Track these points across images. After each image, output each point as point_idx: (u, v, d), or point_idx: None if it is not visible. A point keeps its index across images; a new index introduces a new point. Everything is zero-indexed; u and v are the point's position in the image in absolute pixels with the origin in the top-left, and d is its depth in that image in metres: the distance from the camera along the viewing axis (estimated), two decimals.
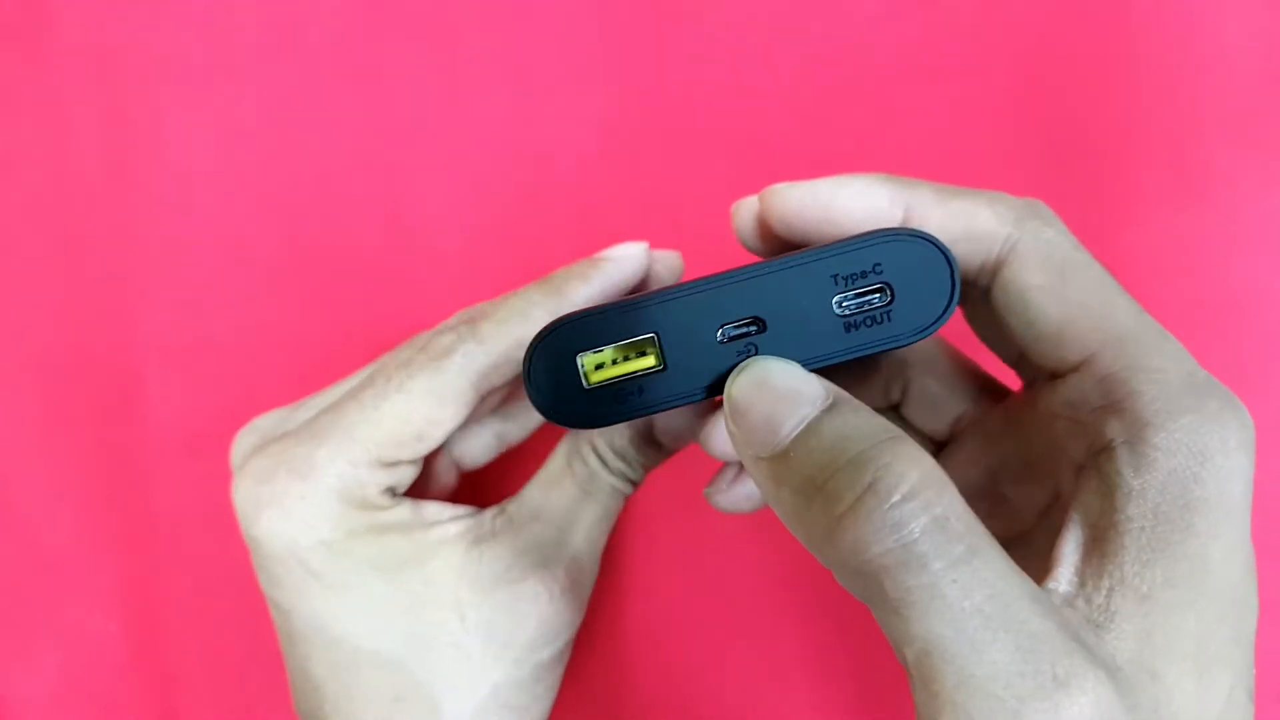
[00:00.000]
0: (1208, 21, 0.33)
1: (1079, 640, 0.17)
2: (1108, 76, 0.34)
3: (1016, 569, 0.18)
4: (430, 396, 0.25)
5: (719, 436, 0.26)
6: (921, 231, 0.20)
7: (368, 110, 0.37)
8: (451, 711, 0.26)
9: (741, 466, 0.27)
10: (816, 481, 0.18)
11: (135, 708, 0.39)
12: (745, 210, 0.24)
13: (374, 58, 0.37)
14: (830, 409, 0.19)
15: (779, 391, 0.19)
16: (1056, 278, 0.21)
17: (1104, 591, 0.18)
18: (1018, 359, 0.25)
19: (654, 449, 0.29)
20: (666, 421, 0.28)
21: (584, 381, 0.21)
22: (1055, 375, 0.22)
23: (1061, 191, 0.34)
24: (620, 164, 0.36)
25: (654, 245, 0.31)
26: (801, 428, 0.19)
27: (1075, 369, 0.21)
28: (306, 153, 0.38)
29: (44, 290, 0.39)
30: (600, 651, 0.36)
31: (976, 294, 0.23)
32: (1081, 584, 0.19)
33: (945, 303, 0.20)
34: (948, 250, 0.20)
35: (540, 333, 0.21)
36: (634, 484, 0.29)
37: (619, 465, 0.28)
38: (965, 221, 0.22)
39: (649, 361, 0.21)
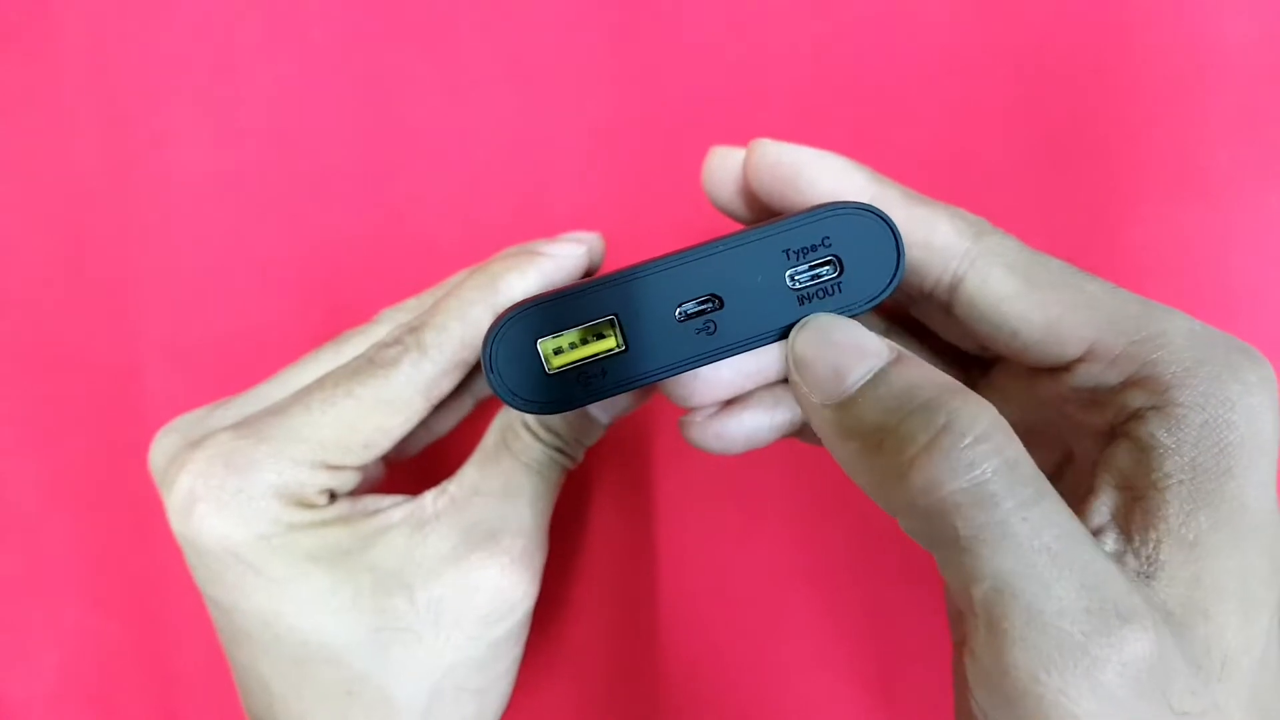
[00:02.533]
0: (1208, 21, 0.33)
1: (1135, 583, 0.18)
2: (1108, 75, 0.34)
3: (1074, 515, 0.19)
4: (380, 404, 0.25)
5: (677, 388, 0.26)
6: (865, 204, 0.21)
7: (368, 110, 0.37)
8: (405, 699, 0.26)
9: (718, 408, 0.27)
10: (887, 425, 0.19)
11: (135, 708, 0.39)
12: (723, 159, 0.25)
13: (374, 59, 0.37)
14: (897, 360, 0.20)
15: (843, 344, 0.20)
16: (1024, 284, 0.22)
17: (1151, 544, 0.19)
18: (981, 349, 0.25)
19: (586, 422, 0.29)
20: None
21: (545, 367, 0.21)
22: (1053, 369, 0.22)
23: (1062, 191, 0.34)
24: (620, 163, 0.36)
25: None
26: (869, 376, 0.20)
27: (1078, 360, 0.22)
28: (307, 153, 0.38)
29: (45, 290, 0.39)
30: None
31: (933, 306, 0.24)
32: (1128, 540, 0.19)
33: (892, 272, 0.21)
34: (891, 221, 0.21)
35: (498, 320, 0.21)
36: (571, 458, 0.29)
37: (551, 439, 0.28)
38: (925, 231, 0.22)
39: (609, 344, 0.21)
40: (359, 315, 0.35)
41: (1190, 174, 0.33)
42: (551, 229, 0.36)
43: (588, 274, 0.29)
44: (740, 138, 0.36)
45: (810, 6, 0.35)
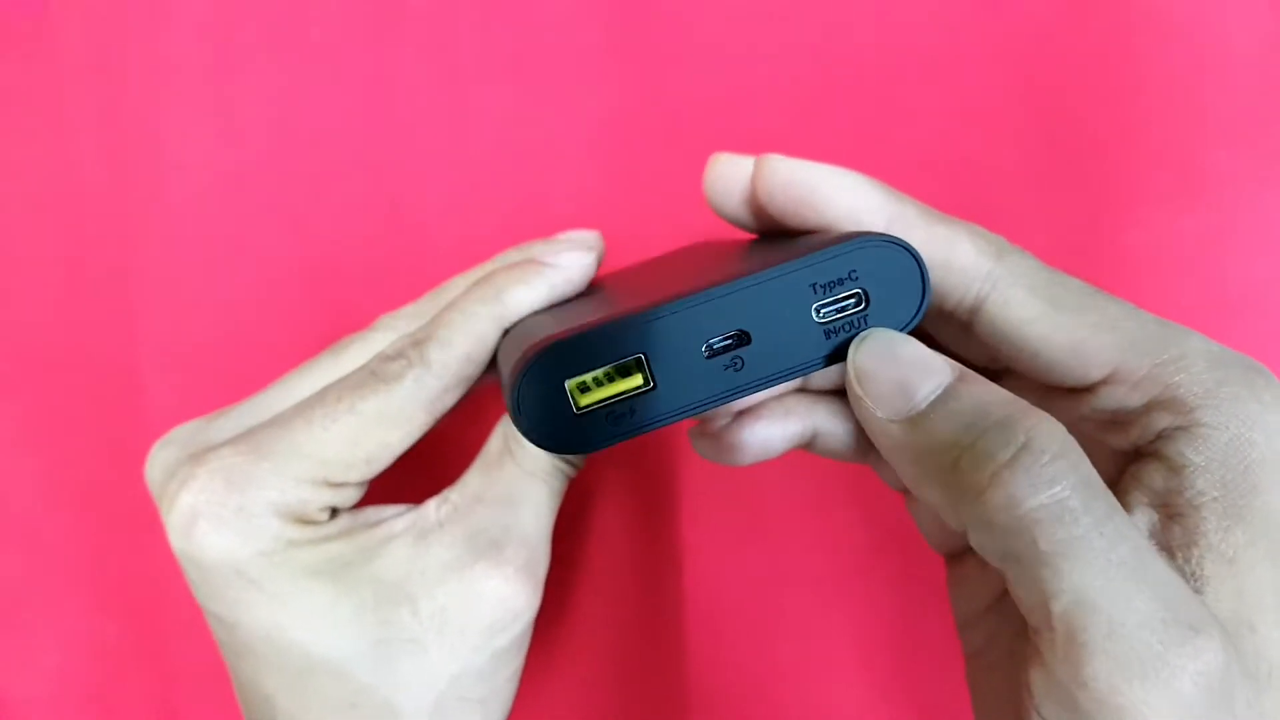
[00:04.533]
0: (1209, 22, 0.33)
1: (1198, 595, 0.19)
2: (1109, 77, 0.34)
3: (1139, 529, 0.19)
4: (383, 419, 0.25)
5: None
6: (891, 236, 0.21)
7: (368, 110, 0.37)
8: (410, 710, 0.26)
9: (729, 419, 0.27)
10: (962, 442, 0.19)
11: (135, 708, 0.39)
12: (727, 168, 0.24)
13: (375, 58, 0.37)
14: (963, 378, 0.20)
15: (907, 359, 0.20)
16: (1048, 306, 0.22)
17: (1194, 560, 0.20)
18: (990, 361, 0.25)
19: None
20: None
21: (574, 407, 0.20)
22: (1073, 389, 0.22)
23: (1063, 192, 0.34)
24: (620, 163, 0.36)
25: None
26: (939, 393, 0.20)
27: (1100, 382, 0.22)
28: (307, 152, 0.38)
29: (44, 290, 0.39)
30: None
31: (954, 326, 0.24)
32: (1171, 555, 0.20)
33: (917, 305, 0.21)
34: (917, 253, 0.21)
35: (523, 360, 0.20)
36: (573, 465, 0.29)
37: None
38: (946, 250, 0.22)
39: (636, 381, 0.20)
40: (358, 314, 0.35)
41: (1189, 176, 0.33)
42: (551, 227, 0.36)
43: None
44: (740, 136, 0.36)
45: (811, 6, 0.35)
